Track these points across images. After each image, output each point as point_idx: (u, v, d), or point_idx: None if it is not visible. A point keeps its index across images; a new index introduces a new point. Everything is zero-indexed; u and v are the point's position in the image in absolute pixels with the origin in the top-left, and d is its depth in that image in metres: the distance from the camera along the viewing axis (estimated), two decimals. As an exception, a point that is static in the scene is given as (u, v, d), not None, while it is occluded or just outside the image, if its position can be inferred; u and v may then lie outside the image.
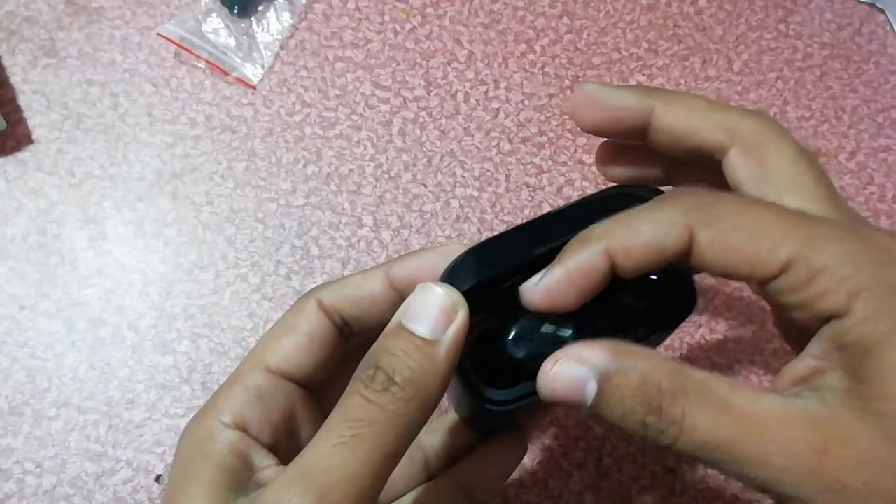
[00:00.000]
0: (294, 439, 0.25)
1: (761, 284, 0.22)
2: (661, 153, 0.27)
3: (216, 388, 0.39)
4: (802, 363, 0.22)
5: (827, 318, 0.21)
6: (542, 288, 0.22)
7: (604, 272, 0.22)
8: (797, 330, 0.23)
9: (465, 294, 0.23)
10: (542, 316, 0.24)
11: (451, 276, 0.24)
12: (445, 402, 0.33)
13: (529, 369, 0.23)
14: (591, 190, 0.44)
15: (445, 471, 0.29)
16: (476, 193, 0.44)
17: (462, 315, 0.22)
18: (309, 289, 0.40)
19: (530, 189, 0.44)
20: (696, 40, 0.49)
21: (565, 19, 0.49)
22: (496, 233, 0.25)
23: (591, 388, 0.21)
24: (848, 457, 0.19)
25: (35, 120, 0.43)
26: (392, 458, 0.21)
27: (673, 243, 0.22)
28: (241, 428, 0.24)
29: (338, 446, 0.21)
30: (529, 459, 0.38)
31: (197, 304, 0.40)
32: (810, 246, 0.21)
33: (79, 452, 0.37)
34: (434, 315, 0.22)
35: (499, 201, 0.44)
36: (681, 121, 0.25)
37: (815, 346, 0.22)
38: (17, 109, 0.43)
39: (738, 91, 0.48)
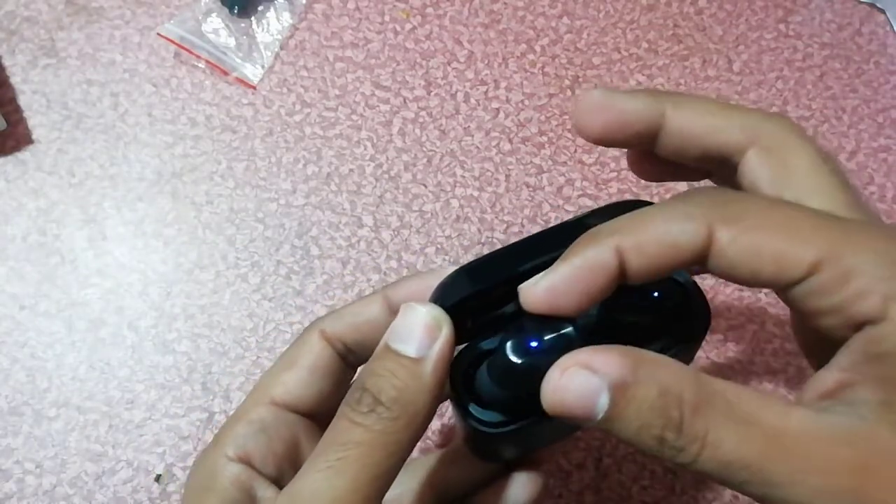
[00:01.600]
0: (298, 470, 0.26)
1: (787, 287, 0.20)
2: (668, 162, 0.26)
3: (216, 388, 0.39)
4: (830, 375, 0.20)
5: (859, 325, 0.19)
6: (543, 286, 0.21)
7: (612, 272, 0.20)
8: (822, 341, 0.21)
9: (455, 311, 0.22)
10: (540, 328, 0.22)
11: (439, 295, 0.23)
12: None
13: (528, 387, 0.22)
14: (590, 190, 0.44)
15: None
16: (476, 193, 0.44)
17: (446, 331, 0.22)
18: (309, 291, 0.40)
19: (530, 189, 0.44)
20: (696, 40, 0.49)
21: (565, 19, 0.49)
22: (490, 251, 0.25)
23: (603, 401, 0.19)
24: (890, 475, 0.18)
25: (35, 120, 0.43)
26: (381, 479, 0.21)
27: (689, 240, 0.20)
28: (245, 461, 0.24)
29: (323, 471, 0.21)
30: (529, 459, 0.39)
31: (197, 304, 0.40)
32: (842, 246, 0.19)
33: (79, 452, 0.37)
34: (418, 333, 0.22)
35: (499, 201, 0.44)
36: (696, 121, 0.23)
37: (844, 357, 0.20)
38: (17, 109, 0.43)
39: (738, 91, 0.48)
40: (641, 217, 0.21)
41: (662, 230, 0.20)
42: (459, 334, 0.23)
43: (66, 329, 0.39)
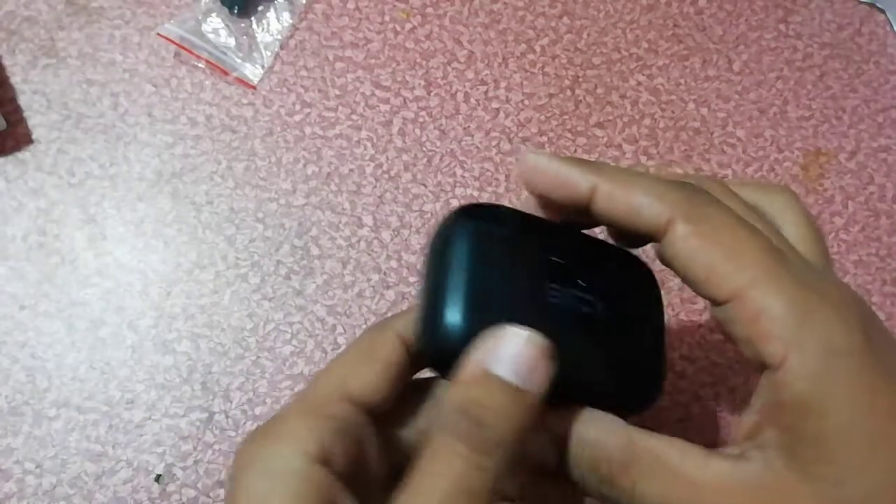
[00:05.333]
0: (363, 472, 0.23)
1: (713, 304, 0.21)
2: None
3: (216, 388, 0.39)
4: (748, 417, 0.22)
5: (764, 367, 0.21)
6: (533, 161, 0.24)
7: (581, 194, 0.23)
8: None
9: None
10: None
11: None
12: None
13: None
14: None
15: None
16: (476, 193, 0.44)
17: (553, 365, 0.21)
18: (309, 291, 0.40)
19: (530, 189, 0.44)
20: (696, 40, 0.49)
21: (565, 19, 0.49)
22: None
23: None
24: None
25: (35, 120, 0.43)
26: None
27: (650, 215, 0.22)
28: (326, 464, 0.21)
29: None
30: (529, 459, 0.38)
31: (197, 304, 0.40)
32: (764, 284, 0.20)
33: (79, 452, 0.37)
34: (525, 363, 0.21)
35: (499, 201, 0.44)
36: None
37: (757, 399, 0.21)
38: (17, 109, 0.43)
39: (738, 91, 0.48)
40: (629, 173, 0.23)
41: (636, 195, 0.22)
42: None
43: (66, 329, 0.39)
